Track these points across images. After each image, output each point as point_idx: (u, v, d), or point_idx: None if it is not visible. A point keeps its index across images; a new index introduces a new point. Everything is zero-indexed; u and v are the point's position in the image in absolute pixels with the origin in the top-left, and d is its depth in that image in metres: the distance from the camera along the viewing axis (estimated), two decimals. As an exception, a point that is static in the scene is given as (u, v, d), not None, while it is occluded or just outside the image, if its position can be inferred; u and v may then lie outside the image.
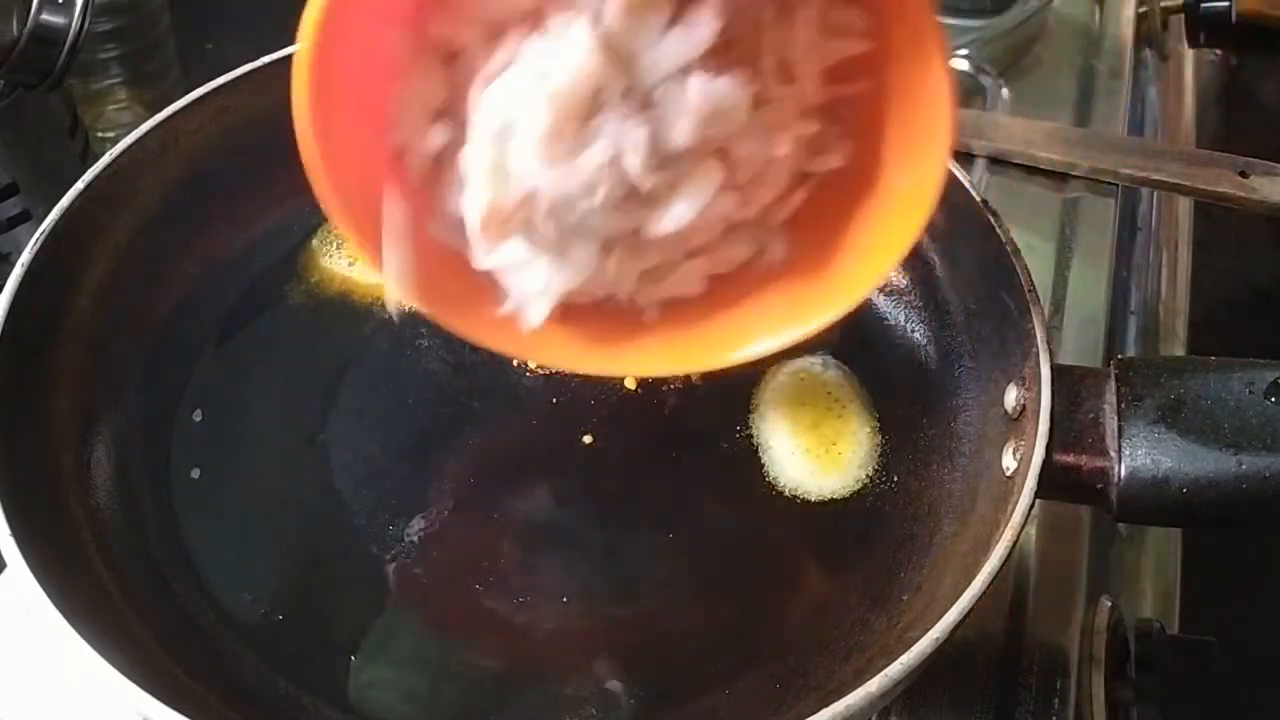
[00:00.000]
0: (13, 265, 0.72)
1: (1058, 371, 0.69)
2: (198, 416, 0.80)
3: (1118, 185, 1.07)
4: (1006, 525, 0.64)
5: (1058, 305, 0.97)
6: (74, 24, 0.97)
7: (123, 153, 0.79)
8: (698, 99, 0.58)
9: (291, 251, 0.89)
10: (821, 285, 0.68)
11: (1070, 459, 0.67)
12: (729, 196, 0.64)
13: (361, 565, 0.74)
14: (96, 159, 0.78)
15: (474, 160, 0.61)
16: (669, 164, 0.61)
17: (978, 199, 0.78)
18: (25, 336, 0.72)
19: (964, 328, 0.81)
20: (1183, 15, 1.30)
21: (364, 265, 0.88)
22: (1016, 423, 0.72)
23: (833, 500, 0.78)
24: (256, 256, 0.88)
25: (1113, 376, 0.69)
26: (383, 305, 0.85)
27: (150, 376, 0.80)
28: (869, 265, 0.67)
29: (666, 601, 0.74)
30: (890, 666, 0.59)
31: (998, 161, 1.07)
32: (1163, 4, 1.30)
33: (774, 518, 0.77)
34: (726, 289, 0.70)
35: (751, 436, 0.80)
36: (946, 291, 0.83)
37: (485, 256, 0.64)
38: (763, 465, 0.79)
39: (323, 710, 0.68)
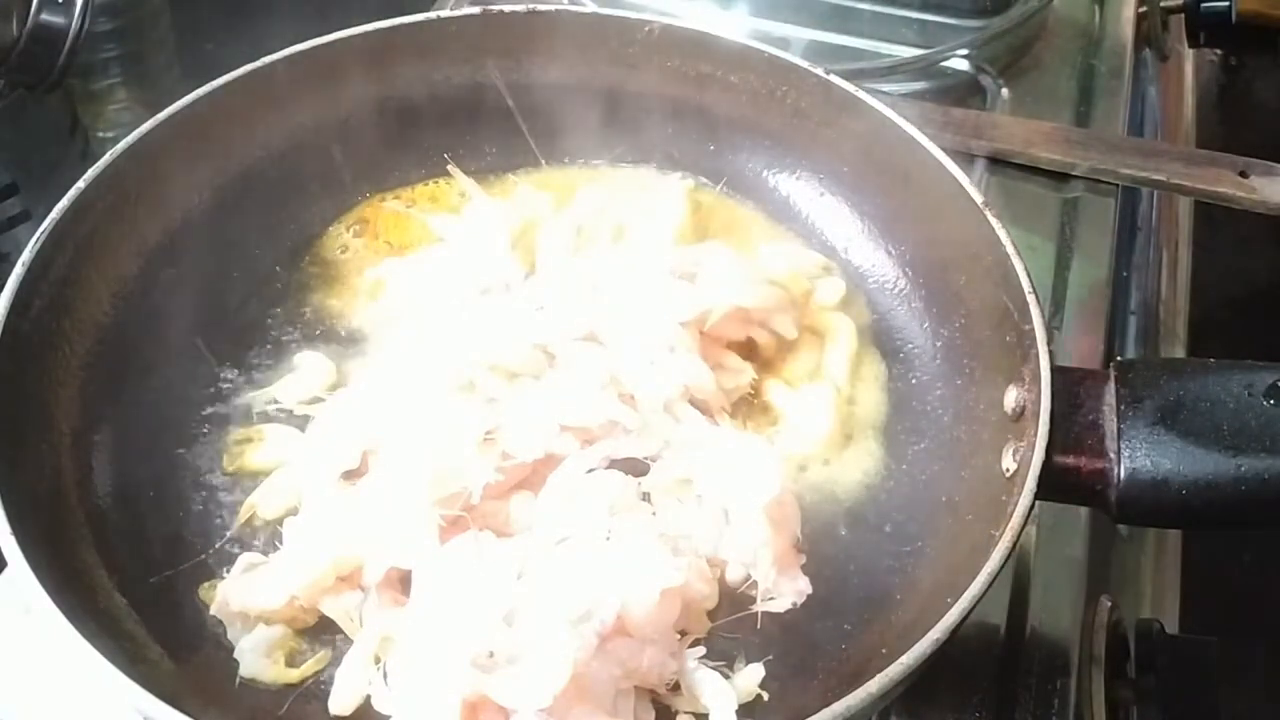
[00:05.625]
0: (13, 265, 0.72)
1: (1057, 373, 0.69)
2: (198, 416, 0.80)
3: (1118, 185, 1.07)
4: (1006, 526, 0.64)
5: (1058, 305, 0.97)
6: (74, 24, 0.97)
7: (122, 153, 0.79)
8: None
9: (289, 251, 0.89)
10: None
11: (1070, 460, 0.67)
12: None
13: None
14: (96, 159, 0.78)
15: None
16: None
17: (978, 199, 0.78)
18: (25, 336, 0.72)
19: (964, 328, 0.81)
20: (1183, 15, 1.30)
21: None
22: (1016, 424, 0.72)
23: (835, 501, 0.78)
24: (256, 257, 0.88)
25: (1112, 378, 0.69)
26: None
27: (150, 376, 0.80)
28: None
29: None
30: (890, 666, 0.59)
31: (998, 161, 1.07)
32: (1163, 4, 1.29)
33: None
34: None
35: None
36: (946, 292, 0.83)
37: None
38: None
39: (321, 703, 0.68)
